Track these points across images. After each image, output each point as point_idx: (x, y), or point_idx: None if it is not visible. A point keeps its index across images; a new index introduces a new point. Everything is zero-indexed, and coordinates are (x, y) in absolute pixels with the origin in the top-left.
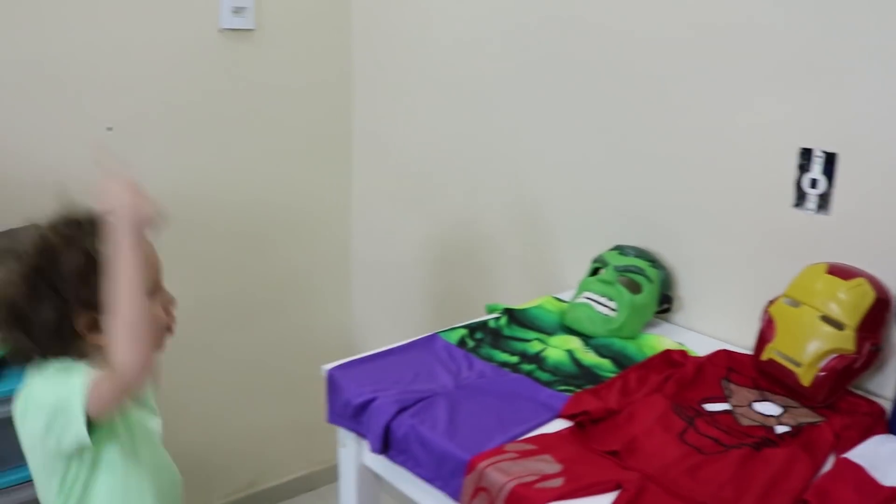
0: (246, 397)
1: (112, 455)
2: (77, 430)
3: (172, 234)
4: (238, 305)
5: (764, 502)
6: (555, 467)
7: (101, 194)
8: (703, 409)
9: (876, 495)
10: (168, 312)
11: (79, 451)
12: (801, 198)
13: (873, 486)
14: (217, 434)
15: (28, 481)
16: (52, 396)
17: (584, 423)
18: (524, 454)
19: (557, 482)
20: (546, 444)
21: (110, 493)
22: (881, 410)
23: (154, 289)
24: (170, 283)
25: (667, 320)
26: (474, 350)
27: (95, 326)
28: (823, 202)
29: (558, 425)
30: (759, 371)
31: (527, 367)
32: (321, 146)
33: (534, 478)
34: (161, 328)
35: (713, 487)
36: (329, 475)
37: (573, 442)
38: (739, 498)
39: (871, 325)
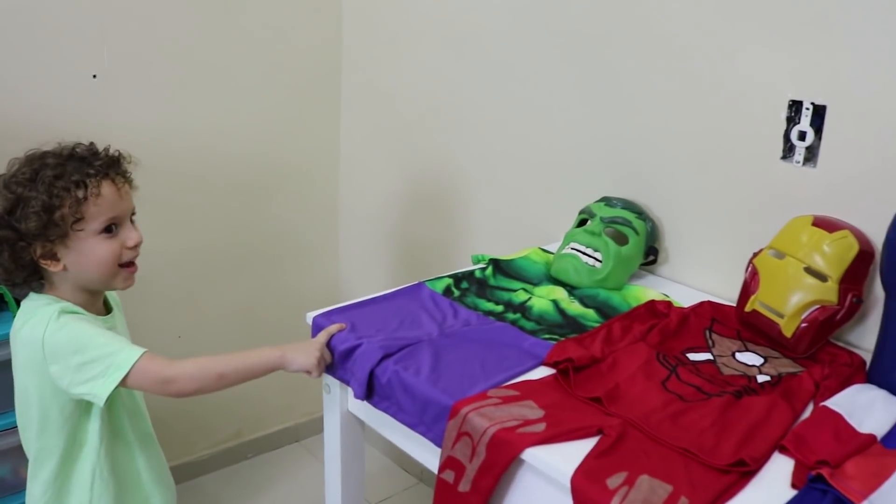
0: (233, 348)
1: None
2: (104, 386)
3: (161, 185)
4: (225, 257)
5: (744, 448)
6: (537, 413)
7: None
8: (685, 358)
9: (852, 441)
10: (127, 247)
11: (80, 400)
12: (788, 150)
13: (850, 432)
14: None
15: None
16: (89, 340)
17: (567, 371)
18: (507, 400)
19: (540, 427)
20: (529, 391)
21: (98, 436)
22: (861, 361)
23: (115, 226)
24: (157, 234)
25: (652, 272)
26: (460, 299)
27: (50, 255)
28: (811, 155)
29: (542, 372)
30: (742, 322)
31: (511, 315)
32: (310, 98)
33: (516, 423)
34: (117, 262)
35: (694, 433)
36: (314, 427)
37: (556, 389)
38: (719, 443)
39: (854, 277)
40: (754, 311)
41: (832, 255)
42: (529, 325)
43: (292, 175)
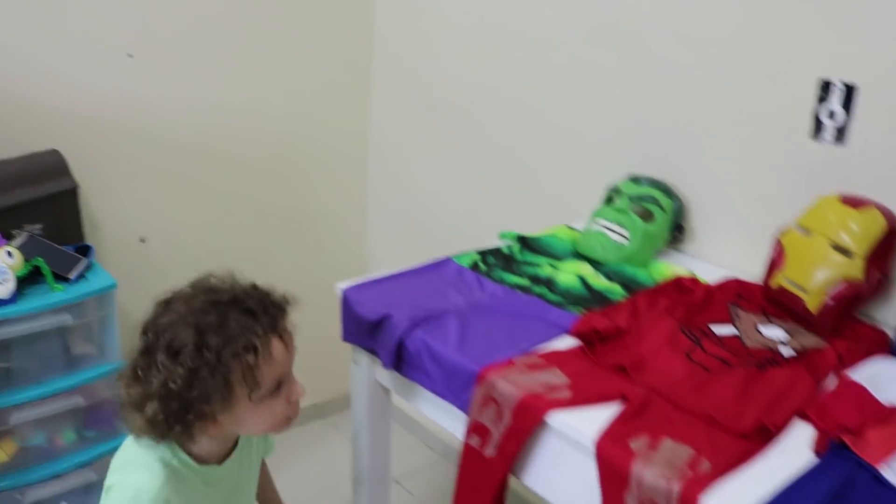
0: None
1: None
2: None
3: (192, 165)
4: (254, 235)
5: (766, 416)
6: (563, 380)
7: None
8: (710, 331)
9: (874, 411)
10: (290, 402)
11: None
12: (818, 129)
13: (872, 402)
14: None
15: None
16: None
17: (592, 341)
18: (533, 367)
19: (565, 393)
20: (555, 359)
21: None
22: (885, 337)
23: (281, 382)
24: (187, 213)
25: (679, 250)
26: (486, 274)
27: (210, 418)
28: (840, 134)
29: (567, 343)
30: (767, 298)
31: (538, 289)
32: (341, 76)
33: (542, 389)
34: (281, 420)
35: (717, 401)
36: (341, 404)
37: (581, 358)
38: (742, 411)
39: (881, 254)
40: (780, 287)
41: (859, 232)
42: (555, 298)
43: (322, 153)
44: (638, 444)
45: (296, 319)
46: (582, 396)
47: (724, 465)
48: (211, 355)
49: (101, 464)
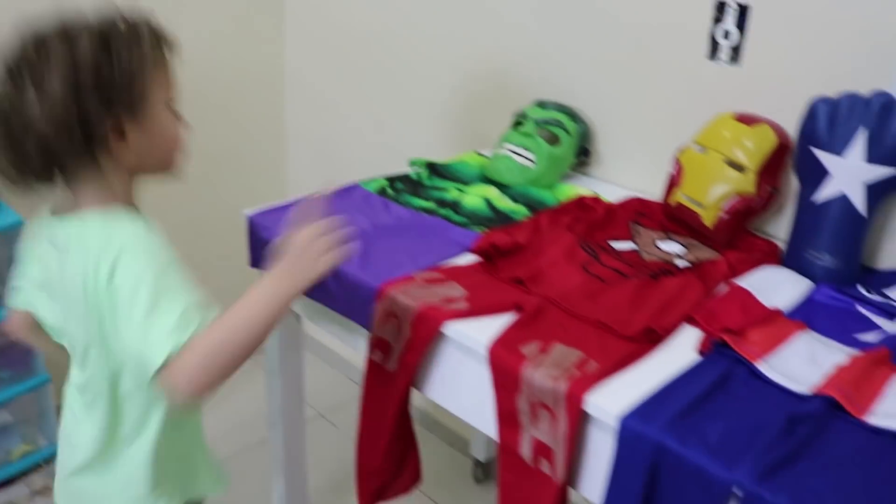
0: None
1: None
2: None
3: None
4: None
5: (655, 320)
6: (460, 292)
7: (287, 242)
8: (609, 245)
9: (757, 314)
10: (183, 124)
11: None
12: (714, 50)
13: (757, 306)
14: None
15: None
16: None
17: (491, 256)
18: (432, 282)
19: (461, 305)
20: (453, 273)
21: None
22: (776, 248)
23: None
24: None
25: (585, 173)
26: (394, 198)
27: (119, 130)
28: (735, 54)
29: (468, 260)
30: (667, 215)
31: (443, 211)
32: (254, 17)
33: (439, 301)
34: (180, 140)
35: (609, 309)
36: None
37: (480, 272)
38: (632, 317)
39: (772, 168)
40: (678, 204)
41: (752, 148)
42: (460, 219)
43: (239, 89)
44: (529, 348)
45: (217, 252)
46: (478, 307)
47: (611, 366)
48: (122, 48)
49: (16, 405)
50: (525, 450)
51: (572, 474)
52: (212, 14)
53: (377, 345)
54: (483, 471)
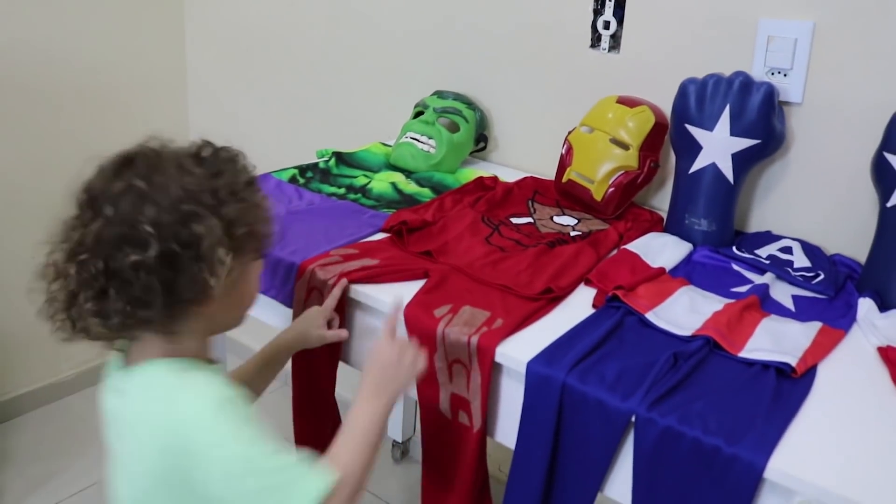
0: None
1: None
2: None
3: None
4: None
5: (554, 281)
6: (374, 264)
7: (375, 353)
8: (508, 221)
9: (645, 273)
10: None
11: None
12: (596, 39)
13: (644, 267)
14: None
15: None
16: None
17: (401, 232)
18: (348, 257)
19: (374, 271)
20: (367, 249)
21: None
22: (660, 218)
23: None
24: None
25: (483, 158)
26: (305, 185)
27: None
28: (615, 42)
29: (380, 238)
30: (560, 192)
31: (353, 196)
32: (153, 19)
33: (354, 269)
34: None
35: (511, 274)
36: None
37: (392, 247)
38: (532, 280)
39: (652, 145)
40: (570, 181)
41: (634, 127)
42: (370, 202)
43: (140, 92)
44: (441, 311)
45: None
46: (388, 270)
47: (517, 322)
48: (207, 197)
49: None
50: (444, 404)
51: (488, 423)
52: (108, 16)
53: None
54: (401, 451)
